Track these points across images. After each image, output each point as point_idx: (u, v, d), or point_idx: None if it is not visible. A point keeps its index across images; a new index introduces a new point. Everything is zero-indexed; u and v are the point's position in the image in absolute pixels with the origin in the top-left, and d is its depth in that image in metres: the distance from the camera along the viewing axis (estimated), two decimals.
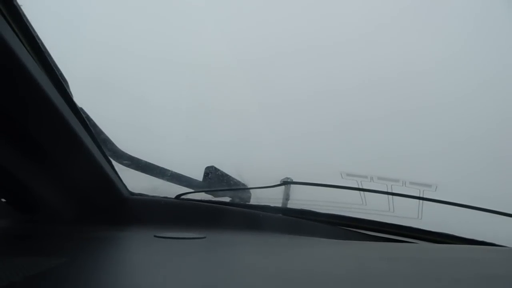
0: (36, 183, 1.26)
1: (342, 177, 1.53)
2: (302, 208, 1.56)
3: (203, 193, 1.60)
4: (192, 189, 1.59)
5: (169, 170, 1.59)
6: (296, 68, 1.80)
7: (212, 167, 1.61)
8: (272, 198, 1.59)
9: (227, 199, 1.63)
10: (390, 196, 1.50)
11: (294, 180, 1.60)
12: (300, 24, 1.80)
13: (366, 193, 1.52)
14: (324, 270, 0.99)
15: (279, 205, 1.59)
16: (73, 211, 1.36)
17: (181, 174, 1.60)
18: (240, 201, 1.62)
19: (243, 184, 1.64)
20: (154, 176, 1.59)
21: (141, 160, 1.58)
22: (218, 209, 1.55)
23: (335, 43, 1.78)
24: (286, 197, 1.60)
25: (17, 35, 1.03)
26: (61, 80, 1.18)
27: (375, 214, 1.51)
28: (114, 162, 1.46)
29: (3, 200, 1.32)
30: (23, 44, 1.05)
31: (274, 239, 1.45)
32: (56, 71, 1.17)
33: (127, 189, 1.49)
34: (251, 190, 1.64)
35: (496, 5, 1.70)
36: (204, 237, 1.30)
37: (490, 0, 1.75)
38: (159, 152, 1.61)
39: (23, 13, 1.05)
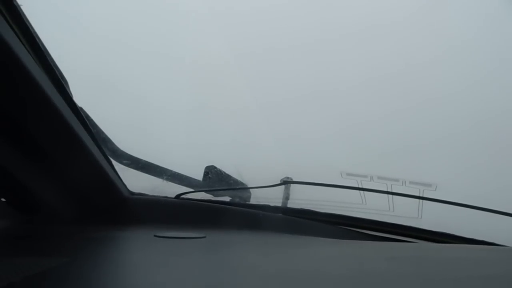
0: (36, 183, 1.26)
1: (342, 177, 1.53)
2: (302, 207, 1.56)
3: (203, 193, 1.60)
4: (192, 188, 1.59)
5: (169, 170, 1.59)
6: (296, 68, 1.80)
7: (212, 166, 1.61)
8: (272, 197, 1.59)
9: (227, 198, 1.63)
10: (390, 196, 1.50)
11: (294, 180, 1.60)
12: (300, 21, 1.80)
13: (366, 192, 1.52)
14: (324, 270, 0.99)
15: (279, 204, 1.59)
16: (73, 211, 1.36)
17: (181, 174, 1.60)
18: (240, 201, 1.62)
19: (243, 184, 1.64)
20: (154, 175, 1.59)
21: (141, 159, 1.58)
22: (218, 208, 1.55)
23: (333, 44, 1.78)
24: (286, 197, 1.60)
25: (17, 35, 1.03)
26: (61, 79, 1.18)
27: (375, 213, 1.51)
28: (114, 162, 1.46)
29: (3, 200, 1.32)
30: (23, 44, 1.05)
31: (274, 239, 1.45)
32: (56, 71, 1.17)
33: (127, 188, 1.49)
34: (251, 190, 1.64)
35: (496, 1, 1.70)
36: (204, 237, 1.30)
37: None
38: (159, 152, 1.61)
39: (23, 13, 1.05)
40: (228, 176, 1.62)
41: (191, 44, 1.77)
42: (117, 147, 1.54)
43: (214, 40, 1.76)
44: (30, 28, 1.08)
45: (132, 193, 1.51)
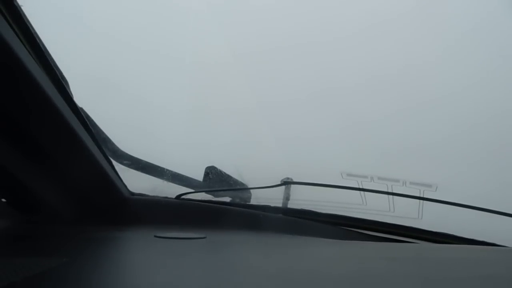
0: (37, 183, 1.26)
1: (342, 177, 1.53)
2: (303, 208, 1.55)
3: (203, 193, 1.60)
4: (193, 189, 1.59)
5: (169, 170, 1.59)
6: (297, 67, 1.80)
7: (212, 167, 1.61)
8: (273, 198, 1.59)
9: (227, 199, 1.63)
10: (391, 196, 1.50)
11: (294, 180, 1.60)
12: (301, 20, 1.79)
13: (366, 193, 1.52)
14: (324, 270, 0.99)
15: (280, 205, 1.59)
16: (74, 211, 1.36)
17: (181, 174, 1.60)
18: (241, 201, 1.62)
19: (243, 184, 1.64)
20: (154, 176, 1.59)
21: (141, 160, 1.58)
22: (218, 209, 1.55)
23: (335, 44, 1.78)
24: (287, 197, 1.60)
25: (17, 36, 1.03)
26: (61, 80, 1.18)
27: (376, 214, 1.51)
28: (114, 162, 1.46)
29: (3, 200, 1.32)
30: (24, 45, 1.05)
31: (275, 239, 1.45)
32: (56, 71, 1.17)
33: (127, 189, 1.49)
34: (251, 190, 1.64)
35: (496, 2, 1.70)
36: (205, 237, 1.30)
37: None
38: (159, 152, 1.61)
39: (23, 13, 1.05)
40: (229, 176, 1.62)
41: (191, 44, 1.77)
42: (118, 148, 1.54)
43: (215, 40, 1.76)
44: (31, 28, 1.08)
45: (133, 194, 1.51)
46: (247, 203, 1.63)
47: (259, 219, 1.52)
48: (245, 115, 1.77)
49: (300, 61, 1.79)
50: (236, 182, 1.62)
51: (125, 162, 1.54)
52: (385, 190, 1.51)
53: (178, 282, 0.89)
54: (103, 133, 1.48)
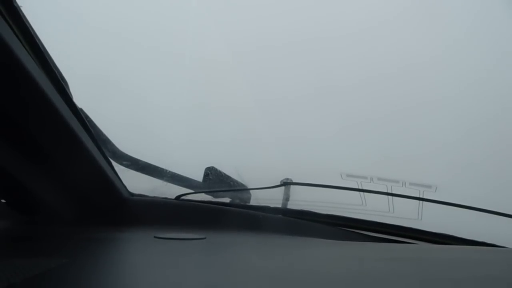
0: (36, 184, 1.27)
1: (342, 178, 1.53)
2: (302, 208, 1.55)
3: (203, 194, 1.60)
4: (192, 189, 1.59)
5: (169, 171, 1.59)
6: (297, 66, 1.79)
7: (212, 167, 1.61)
8: (272, 198, 1.59)
9: (227, 199, 1.63)
10: (390, 197, 1.50)
11: (294, 181, 1.60)
12: (301, 18, 1.79)
13: (366, 193, 1.52)
14: (324, 271, 0.99)
15: (279, 205, 1.59)
16: (73, 212, 1.36)
17: (181, 175, 1.60)
18: (240, 202, 1.62)
19: (243, 185, 1.64)
20: (154, 177, 1.59)
21: (140, 160, 1.58)
22: (218, 209, 1.55)
23: (335, 42, 1.78)
24: (286, 198, 1.60)
25: (17, 36, 1.03)
26: (61, 81, 1.18)
27: (375, 214, 1.51)
28: (114, 163, 1.46)
29: (3, 201, 1.32)
30: (23, 45, 1.05)
31: (274, 240, 1.45)
32: (56, 72, 1.17)
33: (127, 190, 1.49)
34: (251, 191, 1.64)
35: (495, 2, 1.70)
36: (204, 238, 1.30)
37: None
38: (159, 153, 1.61)
39: (23, 14, 1.05)
40: (228, 177, 1.62)
41: (190, 42, 1.76)
42: (117, 148, 1.54)
43: (214, 38, 1.75)
44: (30, 29, 1.08)
45: (132, 194, 1.51)
46: (247, 203, 1.63)
47: (259, 219, 1.52)
48: (245, 114, 1.77)
49: (300, 59, 1.78)
50: (235, 182, 1.62)
51: (124, 162, 1.55)
52: (385, 190, 1.51)
53: (177, 283, 0.89)
54: (102, 134, 1.48)
